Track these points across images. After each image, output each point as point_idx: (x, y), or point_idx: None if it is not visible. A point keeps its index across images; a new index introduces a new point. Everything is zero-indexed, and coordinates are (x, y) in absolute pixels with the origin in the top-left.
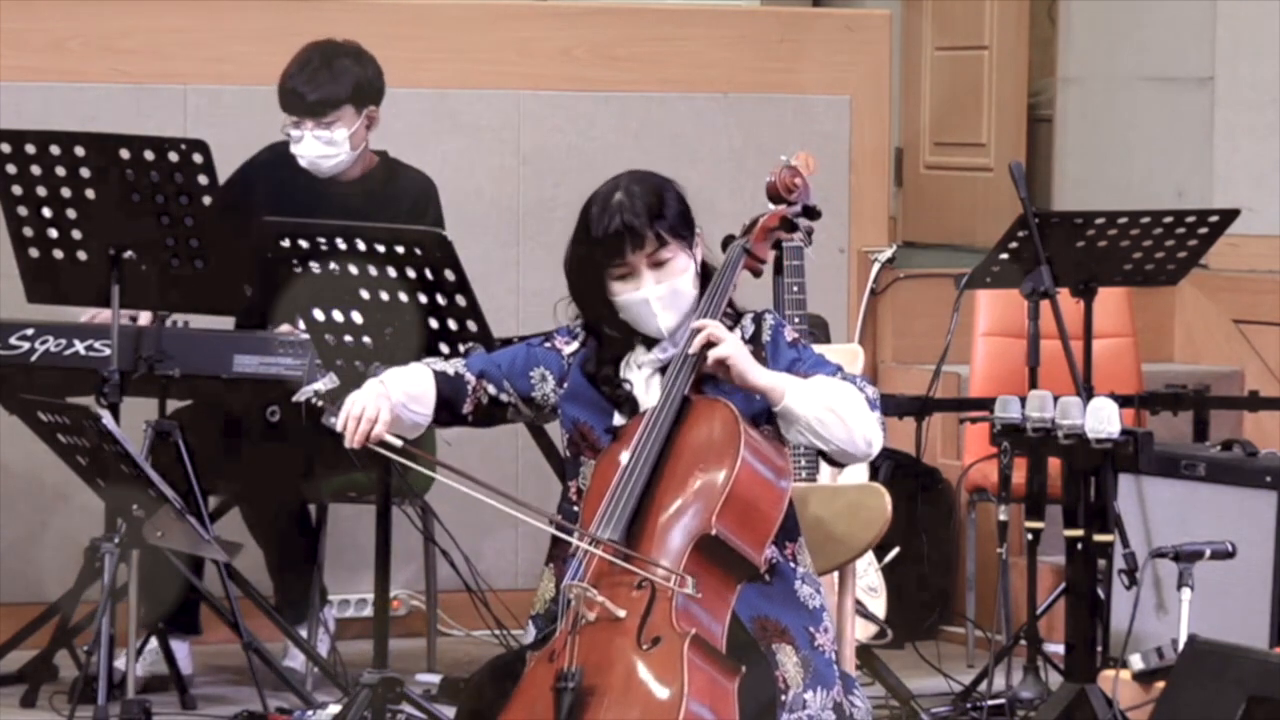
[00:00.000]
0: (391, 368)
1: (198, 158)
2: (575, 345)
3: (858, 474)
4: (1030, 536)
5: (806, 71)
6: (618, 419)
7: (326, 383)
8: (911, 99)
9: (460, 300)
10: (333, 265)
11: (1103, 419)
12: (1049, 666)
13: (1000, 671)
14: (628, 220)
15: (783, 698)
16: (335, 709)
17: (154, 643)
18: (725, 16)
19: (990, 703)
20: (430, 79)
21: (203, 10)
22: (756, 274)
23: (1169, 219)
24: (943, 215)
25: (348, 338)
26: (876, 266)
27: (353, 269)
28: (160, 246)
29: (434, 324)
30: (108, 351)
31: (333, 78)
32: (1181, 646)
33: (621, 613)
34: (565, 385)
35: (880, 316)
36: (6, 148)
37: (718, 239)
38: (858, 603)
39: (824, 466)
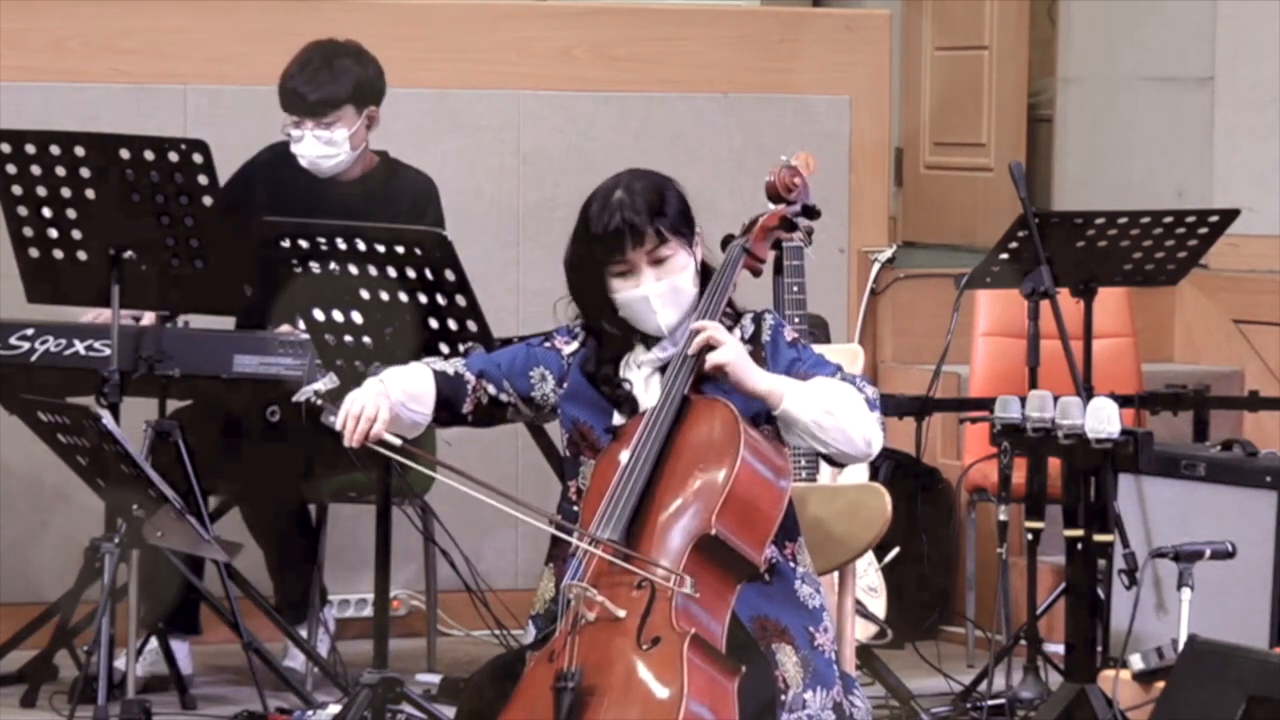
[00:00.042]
0: (391, 367)
1: (198, 158)
2: (575, 345)
3: (858, 474)
4: (1030, 536)
5: (806, 71)
6: (617, 418)
7: (326, 383)
8: (911, 99)
9: (460, 300)
10: (332, 265)
11: (1103, 419)
12: (1049, 666)
13: (1000, 671)
14: (628, 217)
15: (782, 697)
16: (335, 709)
17: (154, 643)
18: (725, 16)
19: (990, 703)
20: (430, 79)
21: (203, 10)
22: (756, 273)
23: (1169, 219)
24: (943, 215)
25: (348, 338)
26: (876, 266)
27: (353, 269)
28: (160, 246)
29: (434, 324)
30: (108, 351)
31: (333, 78)
32: (1181, 646)
33: (621, 613)
34: (565, 385)
35: (880, 316)
36: (6, 148)
37: (718, 239)
38: (858, 603)
39: (824, 466)
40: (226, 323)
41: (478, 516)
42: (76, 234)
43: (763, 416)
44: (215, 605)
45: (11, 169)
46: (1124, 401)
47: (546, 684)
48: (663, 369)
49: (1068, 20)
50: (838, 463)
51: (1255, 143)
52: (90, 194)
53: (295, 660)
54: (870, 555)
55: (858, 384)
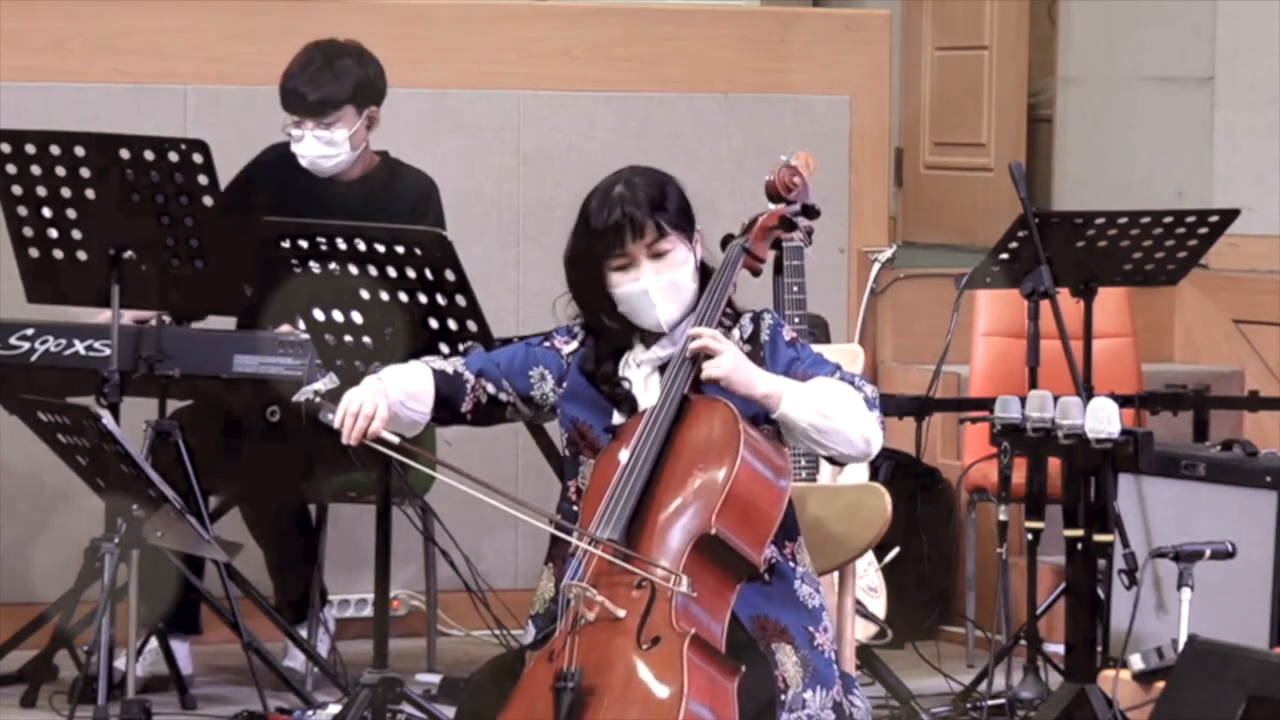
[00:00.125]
0: (390, 366)
1: (198, 158)
2: (574, 345)
3: (858, 474)
4: (1030, 536)
5: (806, 71)
6: (617, 418)
7: (326, 383)
8: (911, 99)
9: (460, 300)
10: (332, 265)
11: (1103, 419)
12: (1049, 666)
13: (1000, 671)
14: (629, 211)
15: (782, 697)
16: (335, 709)
17: (154, 643)
18: (725, 16)
19: (990, 703)
20: (430, 79)
21: (203, 10)
22: (756, 273)
23: (1169, 219)
24: (943, 215)
25: (348, 338)
26: (876, 266)
27: (353, 269)
28: (160, 246)
29: (434, 324)
30: (108, 351)
31: (334, 78)
32: (1181, 646)
33: (621, 612)
34: (564, 385)
35: (880, 316)
36: (6, 148)
37: (718, 239)
38: (858, 603)
39: (824, 466)
40: (227, 322)
41: (478, 516)
42: (76, 234)
43: (762, 416)
44: (215, 605)
45: (11, 169)
46: (1124, 401)
47: (546, 684)
48: (662, 368)
49: (1068, 20)
50: (838, 462)
51: (1255, 143)
52: (90, 194)
53: (295, 660)
54: (870, 555)
55: (856, 383)
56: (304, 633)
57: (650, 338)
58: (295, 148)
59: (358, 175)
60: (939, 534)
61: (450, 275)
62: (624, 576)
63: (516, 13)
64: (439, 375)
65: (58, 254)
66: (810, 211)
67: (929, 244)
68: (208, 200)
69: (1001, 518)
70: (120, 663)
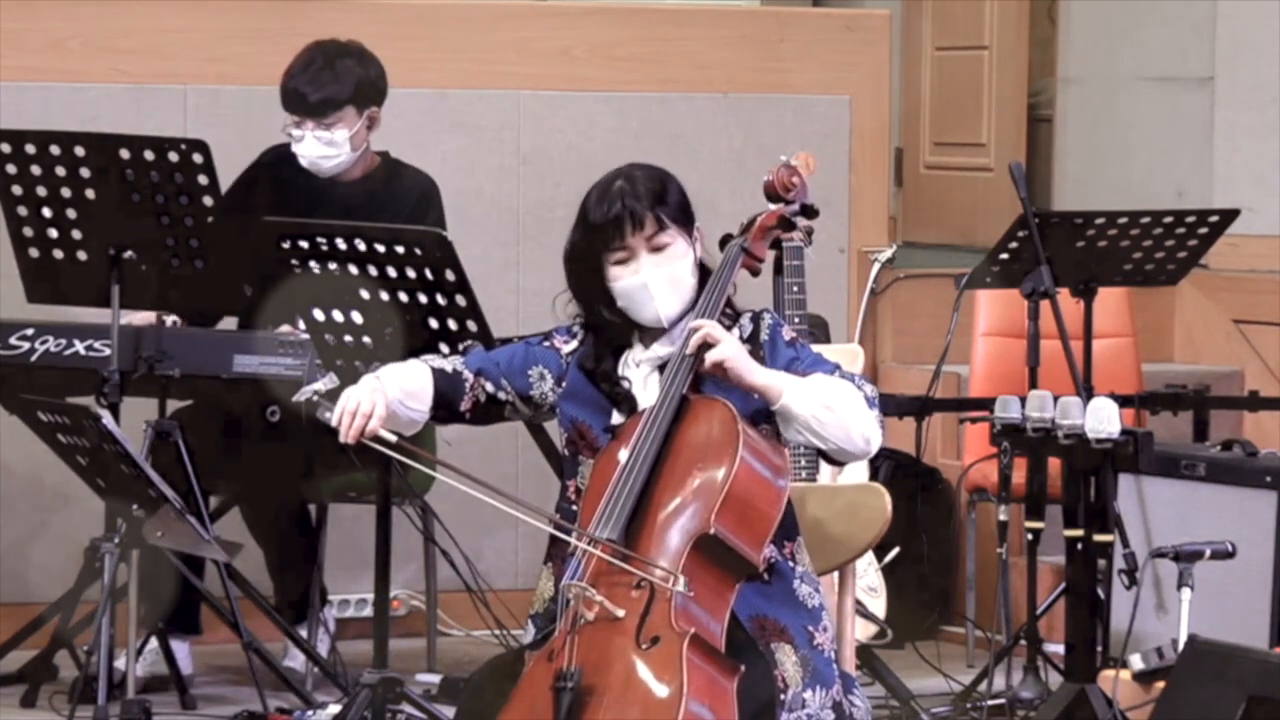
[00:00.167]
0: (389, 364)
1: (198, 158)
2: (574, 344)
3: (857, 474)
4: (1030, 536)
5: (806, 71)
6: (616, 418)
7: (326, 383)
8: (911, 99)
9: (460, 300)
10: (332, 265)
11: (1103, 419)
12: (1049, 666)
13: (1000, 671)
14: (629, 204)
15: (782, 697)
16: (335, 709)
17: (154, 643)
18: (725, 16)
19: (990, 703)
20: (430, 79)
21: (203, 10)
22: (755, 273)
23: (1169, 219)
24: (943, 215)
25: (348, 338)
26: (876, 266)
27: (353, 269)
28: (160, 246)
29: (434, 324)
30: (108, 351)
31: (335, 78)
32: (1181, 646)
33: (620, 612)
34: (563, 384)
35: (880, 316)
36: (6, 148)
37: (717, 239)
38: (858, 603)
39: (824, 466)
40: (227, 322)
41: (478, 516)
42: (76, 234)
43: (762, 416)
44: (215, 605)
45: (11, 169)
46: (1124, 401)
47: (546, 684)
48: (661, 367)
49: (1068, 20)
50: (837, 461)
51: (1255, 143)
52: (90, 194)
53: (295, 660)
54: (870, 555)
55: (856, 382)
56: (304, 633)
57: (649, 337)
58: (296, 148)
59: (358, 175)
60: (939, 534)
61: (450, 275)
62: (623, 576)
63: (516, 13)
64: (438, 374)
65: (58, 254)
66: (809, 211)
67: (929, 244)
68: (208, 200)
69: (1001, 518)
70: (120, 663)
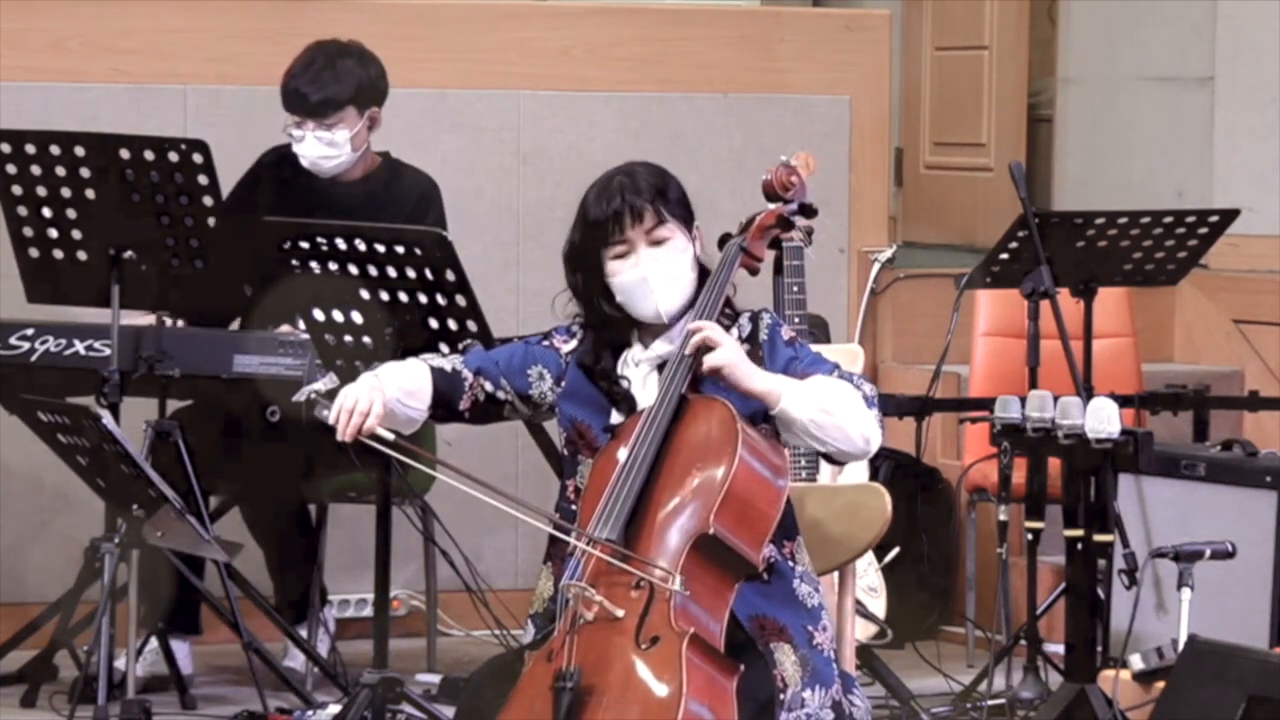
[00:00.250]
0: (387, 363)
1: (198, 158)
2: (573, 344)
3: (857, 474)
4: (1030, 536)
5: (806, 71)
6: (615, 417)
7: (326, 383)
8: (911, 99)
9: (460, 300)
10: (333, 265)
11: (1103, 419)
12: (1049, 666)
13: (1000, 671)
14: (629, 198)
15: (781, 696)
16: (335, 709)
17: (154, 643)
18: (725, 16)
19: (990, 703)
20: (430, 79)
21: (203, 10)
22: (754, 272)
23: (1169, 219)
24: (943, 215)
25: (348, 338)
26: (876, 266)
27: (353, 269)
28: (160, 246)
29: (434, 324)
30: (108, 351)
31: (336, 78)
32: (1181, 646)
33: (620, 612)
34: (563, 384)
35: (880, 316)
36: (6, 148)
37: (717, 239)
38: (858, 603)
39: (824, 465)
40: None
41: (478, 516)
42: (76, 234)
43: (760, 415)
44: (215, 605)
45: (11, 169)
46: (1124, 401)
47: (545, 683)
48: (660, 367)
49: (1068, 20)
50: (837, 461)
51: (1255, 143)
52: (90, 194)
53: (295, 660)
54: (870, 555)
55: (855, 381)
56: (304, 633)
57: (648, 335)
58: (296, 148)
59: (359, 176)
60: (939, 534)
61: (450, 275)
62: (622, 576)
63: (516, 13)
64: (437, 373)
65: (58, 254)
66: (808, 210)
67: (929, 244)
68: (208, 200)
69: (1001, 518)
70: (120, 663)
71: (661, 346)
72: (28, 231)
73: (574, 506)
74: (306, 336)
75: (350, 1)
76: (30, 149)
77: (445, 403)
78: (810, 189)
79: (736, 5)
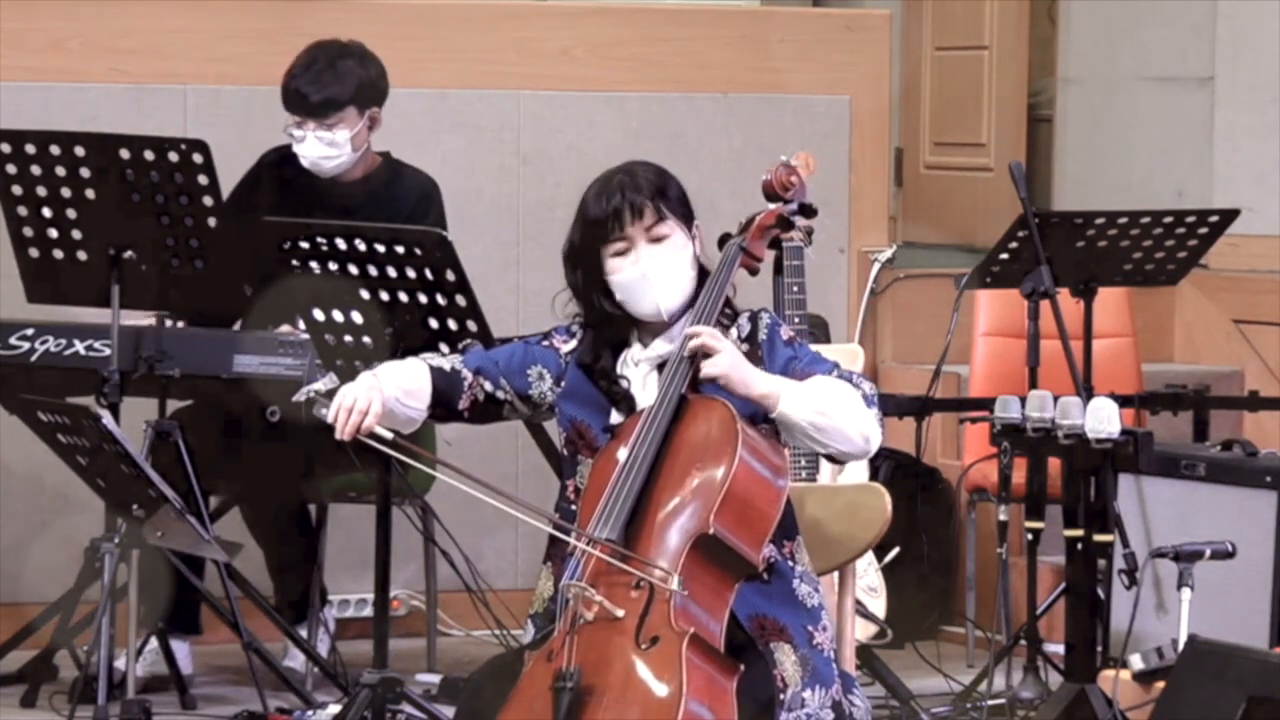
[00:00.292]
0: (387, 362)
1: (198, 158)
2: (573, 344)
3: (857, 474)
4: (1030, 536)
5: (806, 71)
6: (615, 417)
7: (327, 383)
8: (911, 99)
9: (460, 300)
10: (333, 265)
11: (1103, 419)
12: (1049, 666)
13: (1000, 671)
14: (629, 195)
15: (781, 696)
16: (335, 709)
17: (154, 643)
18: (725, 16)
19: (990, 703)
20: (430, 79)
21: (203, 10)
22: (753, 272)
23: (1169, 219)
24: (943, 215)
25: (348, 338)
26: (876, 266)
27: (353, 269)
28: (160, 246)
29: (434, 324)
30: (108, 351)
31: (337, 79)
32: (1181, 646)
33: (620, 612)
34: (562, 384)
35: (880, 316)
36: (6, 148)
37: (717, 239)
38: (858, 603)
39: (824, 465)
40: None
41: (478, 516)
42: (76, 234)
43: (760, 415)
44: (215, 605)
45: (11, 169)
46: (1124, 401)
47: (545, 683)
48: (660, 367)
49: (1068, 20)
50: (838, 460)
51: (1255, 143)
52: (90, 194)
53: (295, 660)
54: (870, 555)
55: (855, 380)
56: (304, 633)
57: (648, 335)
58: (297, 148)
59: (359, 176)
60: (939, 534)
61: (450, 275)
62: (622, 576)
63: (516, 13)
64: (436, 372)
65: (58, 254)
66: (808, 210)
67: (929, 244)
68: (208, 200)
69: (1001, 518)
70: (120, 663)
71: (661, 346)
72: (28, 231)
73: (574, 506)
74: (306, 336)
75: (350, 1)
76: (30, 149)
77: (444, 402)
78: (810, 189)
79: (736, 5)
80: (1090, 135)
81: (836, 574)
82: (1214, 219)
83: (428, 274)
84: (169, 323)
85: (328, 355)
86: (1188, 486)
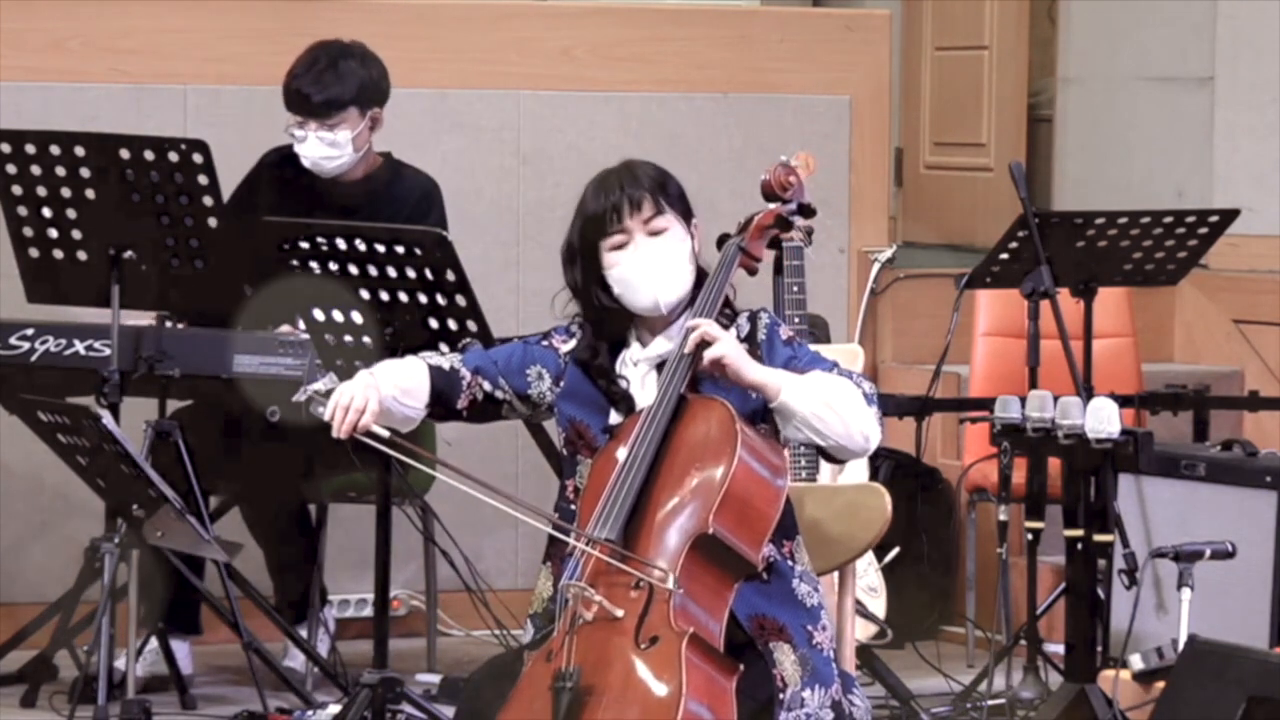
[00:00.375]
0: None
1: (198, 158)
2: (572, 344)
3: (857, 473)
4: (1030, 536)
5: (806, 71)
6: (614, 417)
7: (326, 383)
8: (911, 99)
9: (460, 300)
10: (333, 265)
11: (1103, 419)
12: (1049, 666)
13: (1000, 671)
14: (628, 190)
15: (781, 696)
16: (335, 709)
17: (154, 643)
18: (725, 16)
19: (990, 703)
20: (430, 79)
21: (203, 10)
22: (752, 272)
23: (1169, 219)
24: (943, 215)
25: (348, 338)
26: (876, 266)
27: (353, 269)
28: (160, 246)
29: (434, 324)
30: (108, 351)
31: (338, 79)
32: (1181, 646)
33: (619, 612)
34: (561, 384)
35: (880, 316)
36: (6, 148)
37: (716, 239)
38: (858, 603)
39: (824, 465)
40: None
41: (478, 516)
42: (76, 234)
43: (760, 415)
44: (215, 605)
45: (11, 169)
46: (1124, 401)
47: (544, 684)
48: (659, 367)
49: (1068, 20)
50: (836, 459)
51: (1255, 143)
52: (90, 194)
53: (295, 660)
54: (870, 555)
55: (855, 379)
56: (304, 633)
57: (646, 334)
58: (298, 148)
59: (360, 176)
60: (939, 534)
61: (450, 275)
62: (622, 576)
63: (516, 13)
64: (434, 371)
65: (58, 254)
66: (807, 210)
67: (929, 244)
68: (208, 200)
69: (1001, 518)
70: (120, 663)
71: (660, 345)
72: (28, 231)
73: (573, 506)
74: (306, 336)
75: (350, 1)
76: (30, 149)
77: (443, 401)
78: (809, 189)
79: (736, 5)
80: (1090, 135)
81: (836, 574)
82: (1214, 219)
83: (428, 274)
84: (169, 323)
85: (327, 355)
86: (1188, 486)
